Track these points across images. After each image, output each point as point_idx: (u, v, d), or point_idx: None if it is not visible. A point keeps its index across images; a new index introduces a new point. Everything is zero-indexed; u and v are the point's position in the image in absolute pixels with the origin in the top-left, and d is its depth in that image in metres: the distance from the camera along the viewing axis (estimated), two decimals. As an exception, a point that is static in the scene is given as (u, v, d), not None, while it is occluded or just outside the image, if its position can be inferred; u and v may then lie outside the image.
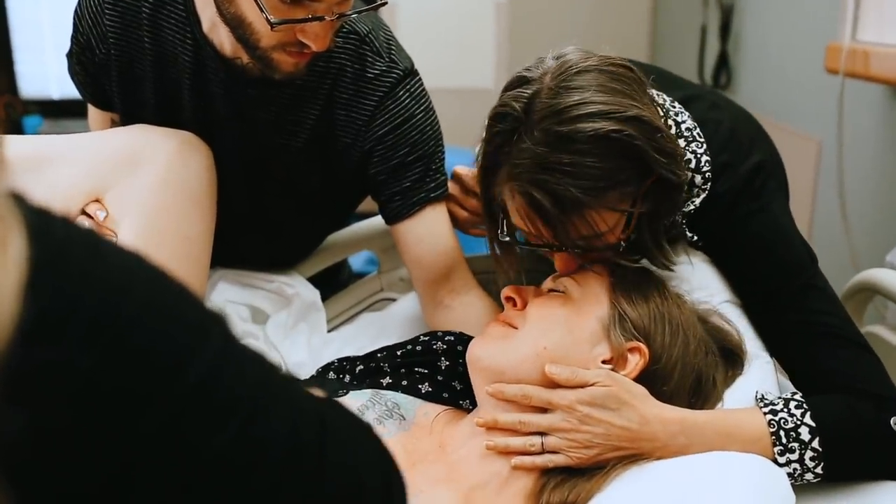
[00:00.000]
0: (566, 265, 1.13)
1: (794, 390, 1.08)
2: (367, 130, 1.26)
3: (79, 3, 1.28)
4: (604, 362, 1.03)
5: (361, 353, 1.27)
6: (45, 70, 3.52)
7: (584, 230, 1.04)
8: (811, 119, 2.35)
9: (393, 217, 1.31)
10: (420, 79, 1.30)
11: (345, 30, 1.24)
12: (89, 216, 1.12)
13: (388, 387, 1.15)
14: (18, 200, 0.46)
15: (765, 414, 1.02)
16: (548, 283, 1.14)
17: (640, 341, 1.04)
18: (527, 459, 1.00)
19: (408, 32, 3.27)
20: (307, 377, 1.24)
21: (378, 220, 1.54)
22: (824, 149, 2.29)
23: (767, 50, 2.67)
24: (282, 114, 1.26)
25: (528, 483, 1.01)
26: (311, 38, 1.10)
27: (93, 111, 1.41)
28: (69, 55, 1.34)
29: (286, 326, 1.40)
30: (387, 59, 1.26)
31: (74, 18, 1.29)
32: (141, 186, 1.12)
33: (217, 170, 1.24)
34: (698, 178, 1.17)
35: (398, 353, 1.20)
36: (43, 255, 0.43)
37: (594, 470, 0.98)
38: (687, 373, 1.06)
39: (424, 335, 1.23)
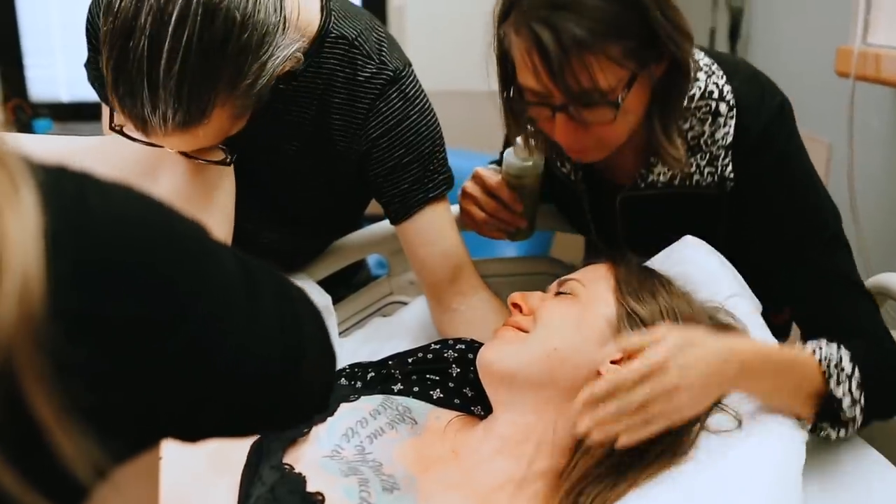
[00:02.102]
0: (565, 132, 1.12)
1: (811, 341, 1.10)
2: (361, 133, 1.26)
3: (89, 9, 1.29)
4: (613, 362, 1.03)
5: (372, 357, 1.28)
6: (54, 73, 3.53)
7: (584, 80, 1.05)
8: (821, 122, 2.34)
9: (395, 218, 1.32)
10: (415, 79, 1.29)
11: (332, 35, 1.23)
12: None
13: (400, 393, 1.15)
14: (25, 159, 0.47)
15: (811, 353, 1.06)
16: (553, 287, 1.14)
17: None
18: (634, 438, 0.93)
19: (417, 35, 3.27)
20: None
21: (387, 224, 1.54)
22: (834, 151, 2.28)
23: (777, 53, 2.67)
24: (276, 118, 1.26)
25: (541, 487, 1.01)
26: None
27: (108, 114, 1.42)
28: (87, 64, 1.35)
29: (297, 331, 1.40)
30: (377, 61, 1.25)
31: (86, 25, 1.30)
32: (161, 193, 1.12)
33: None
34: (723, 106, 1.20)
35: (409, 360, 1.20)
36: (57, 207, 0.44)
37: (613, 476, 0.98)
38: None
39: (435, 343, 1.23)
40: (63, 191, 0.46)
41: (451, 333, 1.32)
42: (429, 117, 1.29)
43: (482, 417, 1.12)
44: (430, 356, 1.20)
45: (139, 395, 0.47)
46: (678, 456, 1.00)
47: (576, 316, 1.07)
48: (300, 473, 0.94)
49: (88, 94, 1.38)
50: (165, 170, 1.15)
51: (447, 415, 1.12)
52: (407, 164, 1.27)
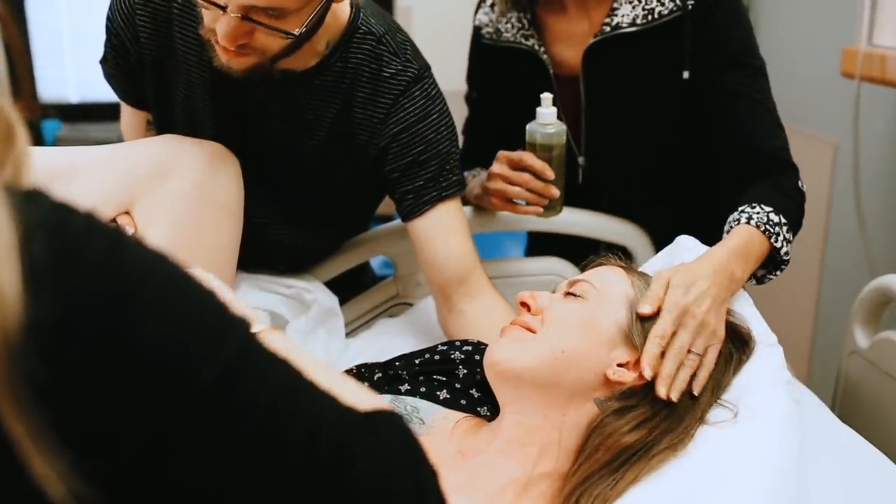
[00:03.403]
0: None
1: (744, 205, 1.27)
2: (382, 128, 1.28)
3: (110, 7, 1.31)
4: (619, 365, 1.04)
5: (378, 357, 1.28)
6: (63, 74, 3.54)
7: None
8: (827, 122, 2.34)
9: (406, 214, 1.34)
10: (435, 80, 1.32)
11: (361, 31, 1.27)
12: None
13: (407, 393, 1.16)
14: (38, 195, 0.46)
15: (748, 223, 1.23)
16: (563, 288, 1.15)
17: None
18: (701, 378, 1.06)
19: (423, 36, 3.28)
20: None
21: (394, 225, 1.56)
22: (840, 151, 2.28)
23: (782, 53, 2.66)
24: (302, 111, 1.29)
25: (546, 489, 1.01)
26: (219, 28, 1.09)
27: (127, 112, 1.43)
28: (103, 61, 1.37)
29: (305, 332, 1.42)
30: (402, 59, 1.28)
31: (106, 22, 1.32)
32: (170, 197, 1.14)
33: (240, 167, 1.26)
34: None
35: (416, 360, 1.21)
36: (56, 250, 0.44)
37: (615, 475, 0.99)
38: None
39: (442, 344, 1.24)
40: (66, 226, 0.46)
41: (457, 334, 1.33)
42: (448, 119, 1.32)
43: (489, 419, 1.12)
44: (436, 357, 1.21)
45: (110, 415, 0.45)
46: (678, 450, 1.01)
47: (585, 318, 1.07)
48: None
49: (97, 95, 1.41)
50: (174, 175, 1.16)
51: (454, 415, 1.12)
52: (424, 162, 1.30)
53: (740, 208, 1.27)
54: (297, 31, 1.10)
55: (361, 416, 0.58)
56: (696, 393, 1.05)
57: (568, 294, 1.12)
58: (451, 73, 1.68)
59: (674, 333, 1.06)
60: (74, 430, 0.44)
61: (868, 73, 1.94)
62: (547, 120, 1.38)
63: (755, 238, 1.23)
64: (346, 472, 0.54)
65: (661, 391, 1.03)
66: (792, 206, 1.30)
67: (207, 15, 1.11)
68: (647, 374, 1.03)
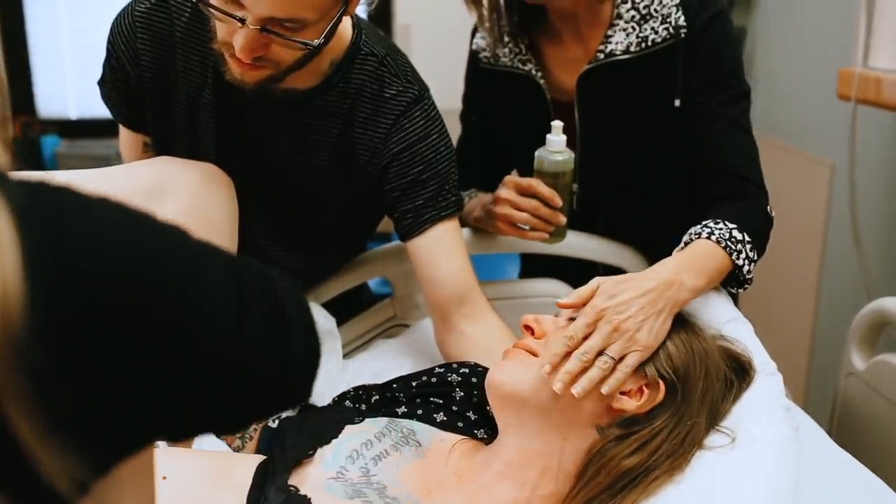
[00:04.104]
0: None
1: (708, 220, 1.28)
2: (383, 148, 1.30)
3: (111, 29, 1.31)
4: (622, 393, 1.04)
5: (376, 379, 1.28)
6: (63, 90, 3.55)
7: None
8: (824, 143, 2.36)
9: (405, 234, 1.34)
10: (433, 102, 1.34)
11: (363, 52, 1.28)
12: None
13: (404, 416, 1.16)
14: (3, 179, 0.46)
15: (708, 238, 1.23)
16: (568, 313, 1.14)
17: (672, 377, 1.06)
18: (613, 380, 1.04)
19: (422, 53, 3.29)
20: (324, 405, 1.25)
21: (392, 246, 1.56)
22: (837, 172, 2.29)
23: (779, 75, 2.68)
24: (305, 132, 1.30)
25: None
26: (237, 41, 1.10)
27: (125, 133, 1.43)
28: (101, 82, 1.36)
29: (302, 353, 1.41)
30: (403, 81, 1.30)
31: (107, 44, 1.32)
32: (164, 218, 1.14)
33: (240, 187, 1.26)
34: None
35: (413, 383, 1.21)
36: (35, 223, 0.44)
37: (614, 499, 0.99)
38: (706, 400, 1.08)
39: (439, 367, 1.24)
40: (41, 207, 0.46)
41: (456, 355, 1.33)
42: (446, 139, 1.34)
43: (486, 441, 1.12)
44: (433, 380, 1.21)
45: (121, 403, 0.46)
46: (675, 475, 1.01)
47: None
48: (305, 496, 0.95)
49: (96, 111, 1.40)
50: (169, 196, 1.16)
51: (451, 438, 1.12)
52: (424, 181, 1.31)
53: (703, 222, 1.28)
54: (316, 42, 1.11)
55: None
56: (603, 392, 1.03)
57: (571, 319, 1.12)
58: (450, 92, 1.70)
59: (587, 337, 1.06)
60: (82, 421, 0.44)
61: (864, 95, 1.96)
62: (556, 147, 1.39)
63: (713, 252, 1.23)
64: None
65: (556, 385, 1.02)
66: (757, 228, 1.30)
67: (222, 28, 1.12)
68: (545, 371, 1.03)
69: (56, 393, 0.43)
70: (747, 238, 1.26)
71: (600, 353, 1.05)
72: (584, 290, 1.10)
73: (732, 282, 1.28)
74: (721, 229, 1.25)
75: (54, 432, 0.42)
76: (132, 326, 0.46)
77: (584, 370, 1.03)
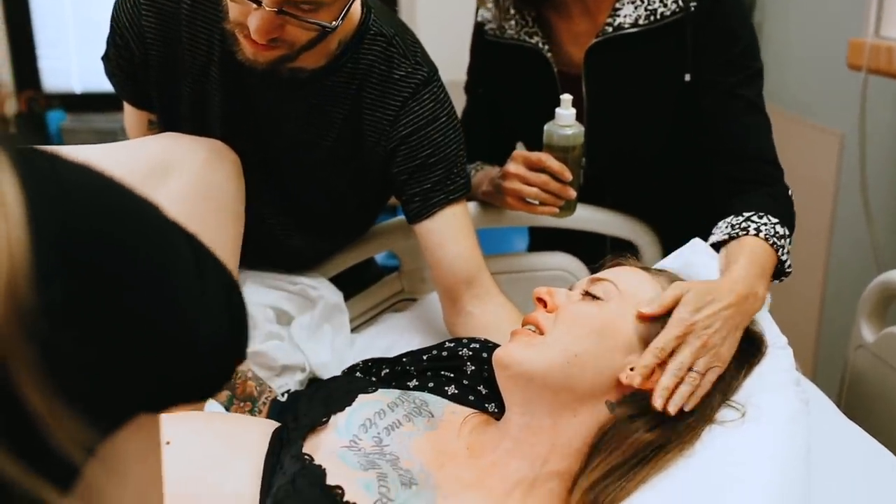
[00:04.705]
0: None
1: (740, 213, 1.27)
2: (391, 130, 1.28)
3: (115, 6, 1.30)
4: (632, 369, 1.04)
5: (384, 353, 1.28)
6: (67, 64, 3.54)
7: None
8: (833, 114, 2.34)
9: (413, 217, 1.33)
10: (442, 83, 1.32)
11: (372, 31, 1.27)
12: None
13: (415, 388, 1.16)
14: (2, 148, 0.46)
15: (757, 235, 1.23)
16: (582, 286, 1.12)
17: None
18: (695, 397, 1.04)
19: (427, 25, 3.27)
20: (332, 377, 1.26)
21: (399, 220, 1.55)
22: (847, 142, 2.27)
23: (789, 45, 2.66)
24: (312, 112, 1.28)
25: (555, 486, 1.02)
26: (252, 22, 1.09)
27: (129, 111, 1.43)
28: (105, 58, 1.35)
29: (310, 328, 1.42)
30: (412, 62, 1.28)
31: (111, 21, 1.31)
32: (171, 195, 1.14)
33: (246, 167, 1.26)
34: None
35: (424, 356, 1.21)
36: (36, 193, 0.44)
37: (627, 475, 0.99)
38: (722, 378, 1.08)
39: (450, 341, 1.24)
40: (39, 175, 0.45)
41: (465, 336, 1.32)
42: (455, 122, 1.32)
43: (496, 416, 1.12)
44: (444, 353, 1.21)
45: (120, 372, 0.47)
46: (685, 449, 1.01)
47: (603, 322, 1.06)
48: (320, 465, 0.95)
49: (101, 85, 1.38)
50: (175, 173, 1.16)
51: (463, 411, 1.12)
52: (432, 165, 1.30)
53: (746, 215, 1.27)
54: (333, 24, 1.10)
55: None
56: (686, 410, 1.03)
57: (586, 294, 1.11)
58: (453, 64, 1.68)
59: (676, 349, 1.05)
60: (90, 389, 0.44)
61: (874, 65, 1.94)
62: (566, 121, 1.38)
63: (766, 252, 1.22)
64: None
65: (658, 402, 1.01)
66: (791, 218, 1.31)
67: (235, 9, 1.11)
68: (636, 382, 1.02)
69: (63, 363, 0.43)
70: (787, 232, 1.26)
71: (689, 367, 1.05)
72: (667, 299, 1.07)
73: (777, 276, 1.27)
74: (766, 224, 1.25)
75: (63, 401, 0.42)
76: (120, 293, 0.46)
77: (677, 384, 1.04)
